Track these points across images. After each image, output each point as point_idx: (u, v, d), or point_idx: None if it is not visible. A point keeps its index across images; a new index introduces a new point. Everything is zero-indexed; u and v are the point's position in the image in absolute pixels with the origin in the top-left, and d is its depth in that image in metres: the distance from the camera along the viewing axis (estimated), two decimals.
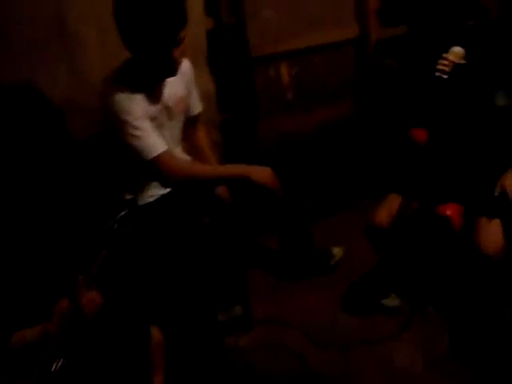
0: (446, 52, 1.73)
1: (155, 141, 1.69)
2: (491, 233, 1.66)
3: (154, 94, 1.76)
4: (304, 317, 2.08)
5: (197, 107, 2.00)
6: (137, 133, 1.66)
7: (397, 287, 2.08)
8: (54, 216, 1.43)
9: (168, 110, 1.81)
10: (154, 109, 1.75)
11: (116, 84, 1.69)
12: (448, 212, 1.79)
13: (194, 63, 1.95)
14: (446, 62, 1.71)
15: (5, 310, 1.19)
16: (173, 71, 1.71)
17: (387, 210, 1.83)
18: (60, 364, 1.12)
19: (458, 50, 1.74)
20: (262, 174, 1.79)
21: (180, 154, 1.97)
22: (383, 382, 1.78)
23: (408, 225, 1.86)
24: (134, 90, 1.69)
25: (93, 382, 1.21)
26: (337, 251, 2.33)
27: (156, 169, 1.70)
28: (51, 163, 1.50)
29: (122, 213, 1.20)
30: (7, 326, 1.15)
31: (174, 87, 1.81)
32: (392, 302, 2.06)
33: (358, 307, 2.10)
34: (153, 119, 1.74)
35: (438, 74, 1.72)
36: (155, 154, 1.67)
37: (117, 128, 1.69)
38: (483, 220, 1.69)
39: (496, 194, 1.70)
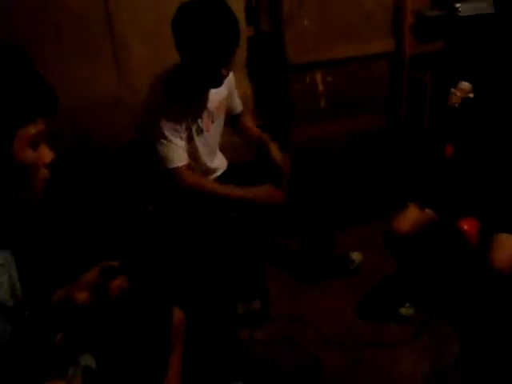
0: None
1: (177, 154, 1.82)
2: (508, 247, 1.69)
3: (197, 101, 1.88)
4: (319, 317, 2.15)
5: (238, 107, 2.16)
6: (164, 142, 1.80)
7: (413, 296, 2.12)
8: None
9: (211, 114, 1.94)
10: (194, 118, 1.87)
11: (162, 89, 1.79)
12: (466, 227, 1.84)
13: (234, 69, 2.01)
14: (453, 100, 1.83)
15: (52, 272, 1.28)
16: (219, 84, 1.81)
17: (405, 217, 1.88)
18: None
19: (464, 85, 1.84)
20: (262, 194, 1.93)
21: (218, 153, 2.12)
22: None
23: (426, 235, 1.91)
24: (179, 99, 1.80)
25: (111, 356, 1.27)
26: (356, 256, 2.39)
27: (173, 178, 1.84)
28: None
29: (150, 207, 1.24)
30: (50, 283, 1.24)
31: (217, 92, 1.92)
32: (407, 310, 2.11)
33: (373, 313, 2.15)
34: (192, 126, 1.87)
35: (449, 104, 1.85)
36: (174, 165, 1.82)
37: (150, 130, 1.81)
38: (502, 236, 1.71)
39: None
